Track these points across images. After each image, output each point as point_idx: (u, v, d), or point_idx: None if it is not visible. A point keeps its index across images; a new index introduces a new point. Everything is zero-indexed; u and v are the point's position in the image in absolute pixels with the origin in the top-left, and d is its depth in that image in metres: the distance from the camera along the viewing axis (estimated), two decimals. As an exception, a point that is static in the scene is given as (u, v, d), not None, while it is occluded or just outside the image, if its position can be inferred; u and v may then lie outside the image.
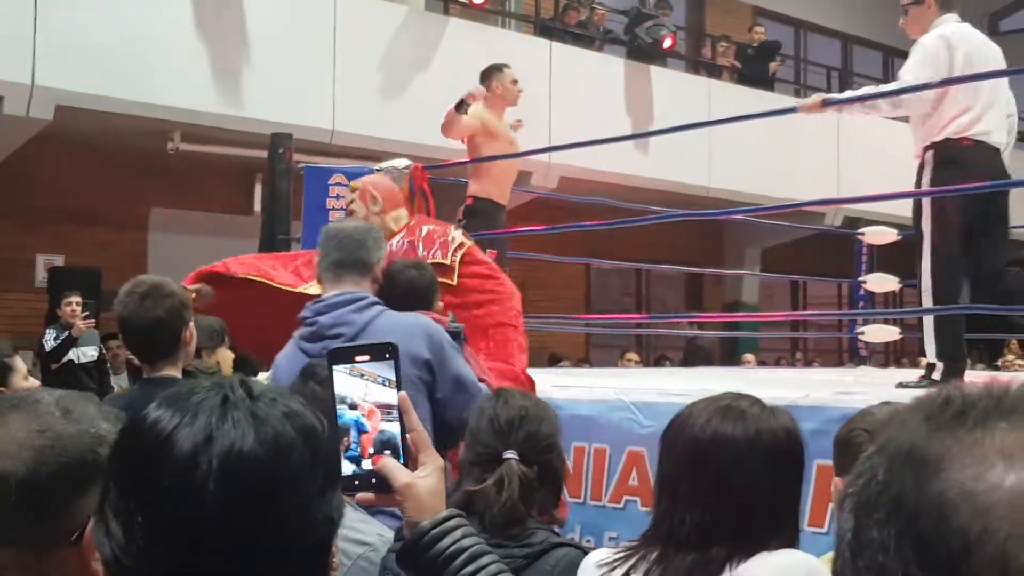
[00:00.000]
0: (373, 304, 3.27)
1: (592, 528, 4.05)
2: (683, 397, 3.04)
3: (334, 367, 1.48)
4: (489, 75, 6.68)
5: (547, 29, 12.67)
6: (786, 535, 1.92)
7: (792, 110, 5.57)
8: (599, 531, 4.01)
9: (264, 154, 7.07)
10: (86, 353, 8.76)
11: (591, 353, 13.63)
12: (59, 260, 10.62)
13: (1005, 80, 4.90)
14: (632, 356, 11.92)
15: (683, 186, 12.18)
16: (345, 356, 1.50)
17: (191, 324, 3.20)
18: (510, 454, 2.38)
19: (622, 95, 12.29)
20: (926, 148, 4.68)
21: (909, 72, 4.67)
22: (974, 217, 4.64)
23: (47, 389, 1.40)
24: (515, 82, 6.74)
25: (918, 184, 4.73)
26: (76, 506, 1.28)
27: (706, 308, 15.06)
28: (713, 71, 14.29)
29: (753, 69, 14.11)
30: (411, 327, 3.21)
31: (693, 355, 10.68)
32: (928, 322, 4.63)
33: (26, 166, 9.60)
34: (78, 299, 8.69)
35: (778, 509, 1.93)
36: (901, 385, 4.41)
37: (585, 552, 2.20)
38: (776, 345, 15.67)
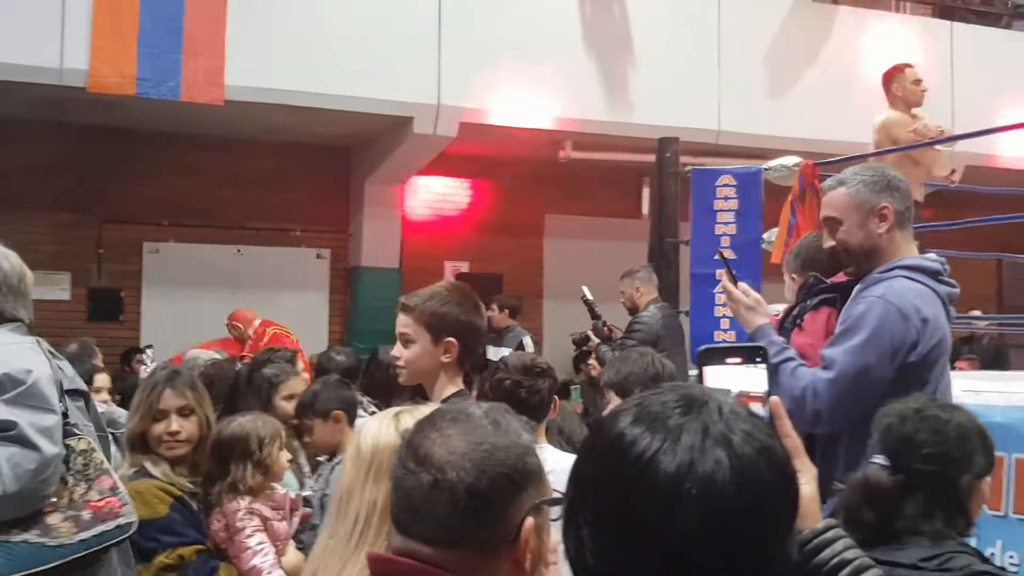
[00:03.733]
0: None
1: (1016, 544, 3.75)
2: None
3: (704, 367, 1.47)
4: (890, 78, 6.40)
5: (947, 9, 11.88)
6: None
7: None
8: (1023, 547, 3.71)
9: (651, 158, 7.17)
10: None
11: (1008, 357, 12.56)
12: (465, 267, 11.36)
13: None
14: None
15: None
16: (715, 356, 1.48)
17: None
18: (878, 459, 2.26)
19: (1034, 74, 11.27)
20: None
21: None
22: None
23: (475, 403, 1.57)
24: (917, 82, 6.38)
25: None
26: (511, 510, 1.42)
27: None
28: None
29: None
30: None
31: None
32: None
33: (432, 181, 10.37)
34: None
35: None
36: None
37: None
38: None
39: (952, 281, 3.13)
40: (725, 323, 6.02)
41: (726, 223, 6.14)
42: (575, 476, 1.14)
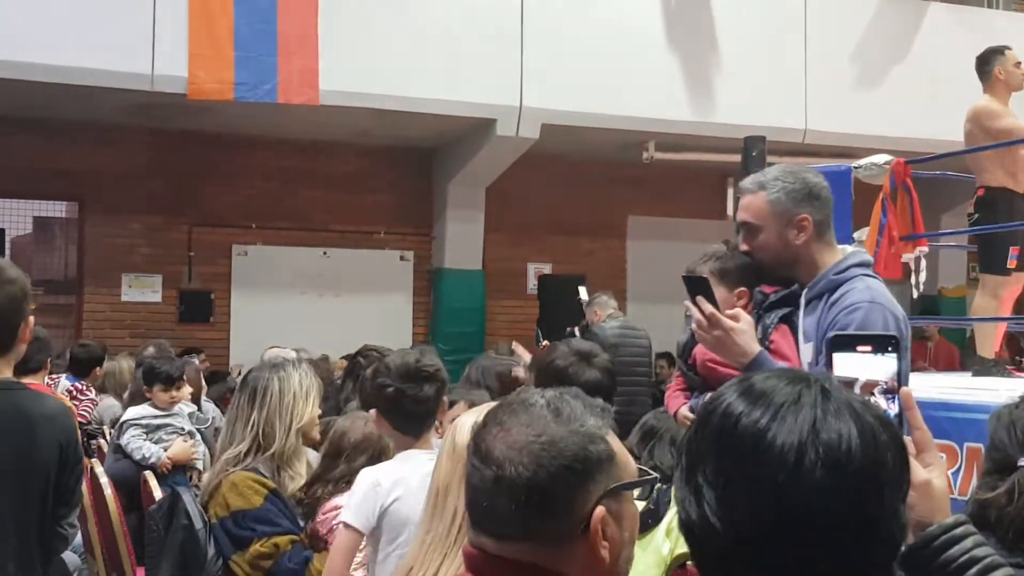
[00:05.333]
0: None
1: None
2: None
3: (834, 354, 1.48)
4: (990, 60, 6.05)
5: (1041, 3, 11.57)
6: None
7: None
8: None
9: (736, 158, 7.10)
10: None
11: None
12: (547, 268, 11.37)
13: None
14: None
15: None
16: (847, 344, 1.49)
17: (31, 319, 2.77)
18: None
19: None
20: None
21: None
22: None
23: (540, 391, 1.51)
24: (1019, 64, 6.06)
25: None
26: (578, 501, 1.39)
27: None
28: None
29: None
30: None
31: None
32: None
33: (515, 182, 10.39)
34: None
35: None
36: None
37: None
38: None
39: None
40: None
41: (815, 223, 6.04)
42: (691, 444, 1.15)
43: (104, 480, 4.21)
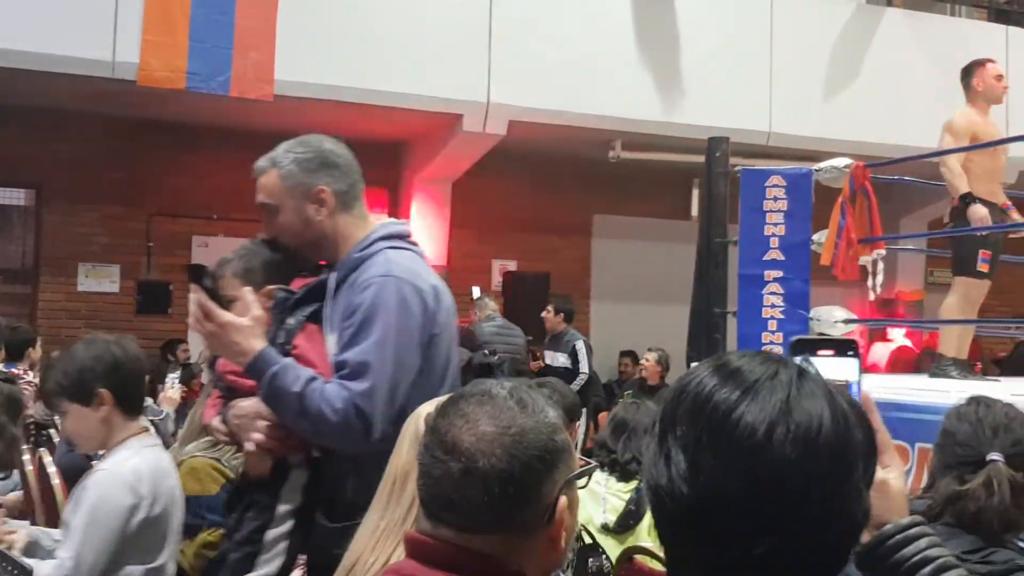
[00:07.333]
0: None
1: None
2: None
3: (795, 357, 1.48)
4: (971, 71, 6.22)
5: (1002, 13, 11.69)
6: None
7: None
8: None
9: (702, 159, 7.11)
10: None
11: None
12: (512, 265, 11.36)
13: None
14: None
15: None
16: (807, 348, 1.51)
17: None
18: (996, 456, 2.30)
19: (1094, 78, 11.06)
20: None
21: None
22: None
23: (498, 381, 1.51)
24: (999, 78, 6.21)
25: None
26: (544, 491, 1.41)
27: None
28: None
29: None
30: None
31: None
32: None
33: (481, 179, 10.37)
34: None
35: None
36: None
37: None
38: None
39: (416, 240, 2.78)
40: (773, 324, 5.96)
41: (775, 224, 6.07)
42: (664, 414, 1.14)
43: (52, 470, 4.16)
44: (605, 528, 4.05)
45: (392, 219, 2.79)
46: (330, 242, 2.65)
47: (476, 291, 9.21)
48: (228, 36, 8.05)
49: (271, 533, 2.59)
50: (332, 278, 2.64)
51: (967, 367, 5.93)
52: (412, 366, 2.52)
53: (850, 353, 1.47)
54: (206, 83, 8.05)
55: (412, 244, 2.74)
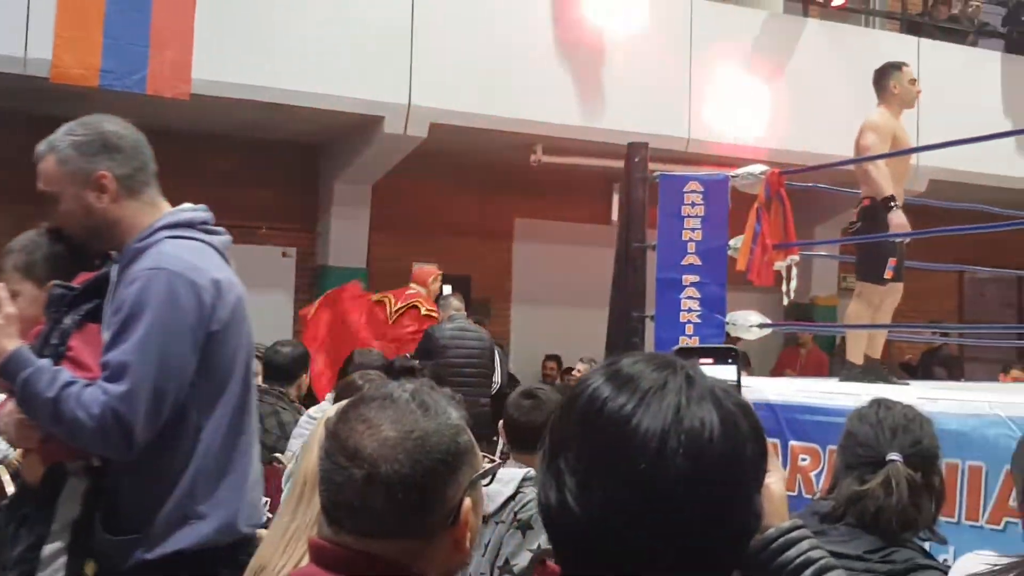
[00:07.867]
0: None
1: (967, 550, 3.77)
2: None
3: None
4: (887, 74, 6.24)
5: (915, 25, 12.01)
6: None
7: None
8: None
9: (622, 164, 7.17)
10: None
11: (964, 367, 12.72)
12: (432, 268, 11.31)
13: None
14: (1019, 372, 10.93)
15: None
16: (690, 356, 1.51)
17: None
18: (895, 456, 2.35)
19: (999, 92, 11.40)
20: None
21: None
22: None
23: (399, 384, 1.49)
24: (913, 82, 6.28)
25: None
26: (448, 493, 1.39)
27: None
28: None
29: None
30: None
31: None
32: None
33: (402, 181, 10.33)
34: None
35: None
36: None
37: None
38: None
39: (221, 228, 2.64)
40: (690, 328, 6.03)
41: (693, 229, 6.15)
42: (555, 428, 1.13)
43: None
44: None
45: (189, 205, 2.61)
46: (116, 231, 2.48)
47: (447, 289, 9.10)
48: (144, 34, 7.90)
49: (47, 549, 2.42)
50: (115, 271, 2.47)
51: (878, 371, 6.02)
52: (182, 366, 2.34)
53: (730, 360, 1.49)
54: (121, 81, 7.88)
55: (206, 233, 2.56)
